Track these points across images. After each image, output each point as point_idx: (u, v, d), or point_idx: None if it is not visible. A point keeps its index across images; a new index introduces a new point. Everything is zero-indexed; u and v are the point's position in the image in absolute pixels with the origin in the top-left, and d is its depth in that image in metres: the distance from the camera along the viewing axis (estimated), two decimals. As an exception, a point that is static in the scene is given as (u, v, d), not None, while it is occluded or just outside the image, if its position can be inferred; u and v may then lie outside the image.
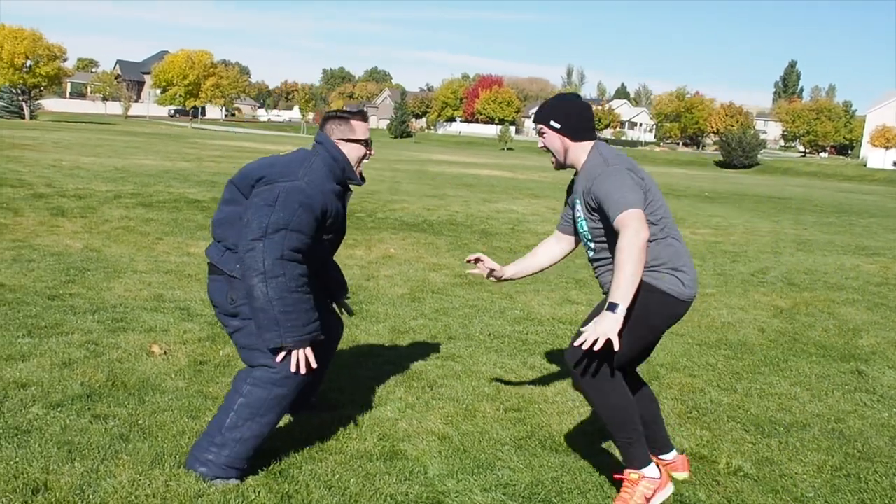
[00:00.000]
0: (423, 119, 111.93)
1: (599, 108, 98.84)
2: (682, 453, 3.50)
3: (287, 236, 2.98)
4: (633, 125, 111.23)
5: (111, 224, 8.98)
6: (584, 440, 3.78)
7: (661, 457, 3.36)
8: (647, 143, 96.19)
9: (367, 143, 3.36)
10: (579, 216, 3.20)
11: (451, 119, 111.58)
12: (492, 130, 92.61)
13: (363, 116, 3.40)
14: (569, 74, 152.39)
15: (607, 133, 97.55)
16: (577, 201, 3.19)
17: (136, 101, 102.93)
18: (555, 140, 3.22)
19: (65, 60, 74.28)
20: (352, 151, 3.31)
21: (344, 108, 3.40)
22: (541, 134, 3.27)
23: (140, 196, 11.43)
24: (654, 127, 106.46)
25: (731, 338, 6.01)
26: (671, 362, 5.21)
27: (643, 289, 2.90)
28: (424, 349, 5.12)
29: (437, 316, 6.05)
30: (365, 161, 3.41)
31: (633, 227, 2.81)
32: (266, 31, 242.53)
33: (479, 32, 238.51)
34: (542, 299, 6.91)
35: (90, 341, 4.65)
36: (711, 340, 5.88)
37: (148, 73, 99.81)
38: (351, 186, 3.40)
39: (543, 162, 47.93)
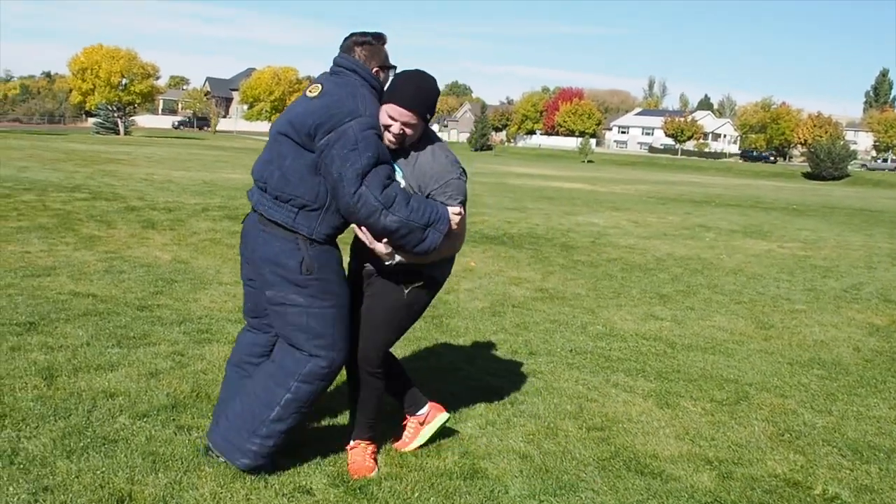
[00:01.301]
0: (504, 132, 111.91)
1: (682, 119, 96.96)
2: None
3: (379, 170, 2.96)
4: (716, 137, 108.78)
5: (199, 236, 9.20)
6: (670, 462, 3.64)
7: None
8: (731, 155, 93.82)
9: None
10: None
11: (532, 132, 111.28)
12: (572, 143, 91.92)
13: (385, 40, 3.23)
14: (650, 86, 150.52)
15: (689, 145, 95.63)
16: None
17: (225, 116, 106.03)
18: (418, 130, 3.09)
19: (158, 78, 77.11)
20: (386, 79, 3.17)
21: (366, 32, 3.19)
22: (409, 125, 3.03)
23: (227, 209, 11.70)
24: (739, 138, 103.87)
25: (825, 357, 5.74)
26: (761, 382, 5.00)
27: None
28: (505, 365, 5.05)
29: (517, 331, 5.97)
30: None
31: None
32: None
33: (560, 45, 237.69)
34: (625, 314, 6.75)
35: (176, 352, 4.74)
36: (803, 359, 5.63)
37: (236, 90, 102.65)
38: None
39: (624, 174, 47.30)
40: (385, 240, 3.03)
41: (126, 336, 4.98)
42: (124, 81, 71.63)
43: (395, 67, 3.18)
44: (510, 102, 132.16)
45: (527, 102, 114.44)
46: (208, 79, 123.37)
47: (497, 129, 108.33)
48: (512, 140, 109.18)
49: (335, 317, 3.10)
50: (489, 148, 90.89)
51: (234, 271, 7.46)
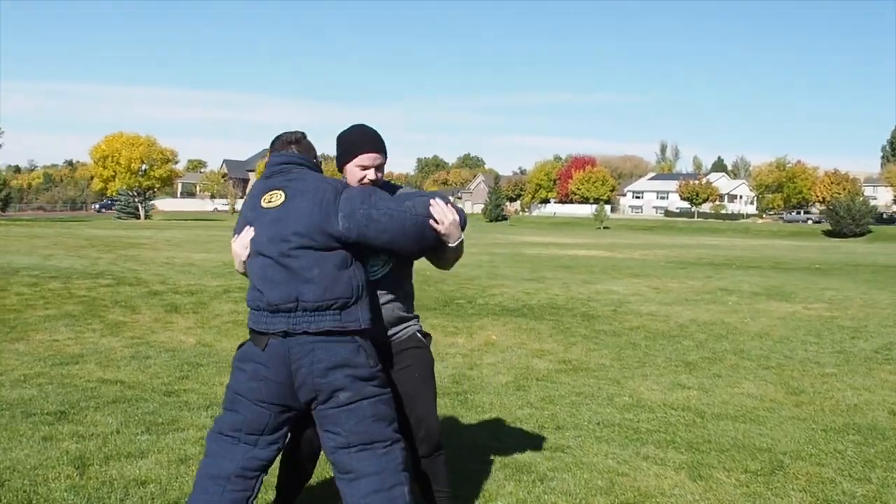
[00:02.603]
0: (518, 202, 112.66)
1: (697, 182, 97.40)
2: None
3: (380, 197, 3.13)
4: (732, 198, 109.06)
5: (221, 319, 9.29)
6: (707, 537, 3.58)
7: None
8: (748, 216, 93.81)
9: None
10: None
11: (546, 201, 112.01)
12: (587, 210, 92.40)
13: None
14: (662, 150, 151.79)
15: (706, 207, 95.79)
16: None
17: (242, 197, 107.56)
18: (384, 170, 3.35)
19: (176, 163, 78.71)
20: (320, 168, 3.38)
21: (294, 131, 3.36)
22: (380, 167, 3.29)
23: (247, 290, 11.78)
24: (755, 199, 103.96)
25: (860, 422, 5.66)
26: (795, 450, 4.93)
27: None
28: (532, 440, 5.02)
29: (543, 404, 5.94)
30: None
31: None
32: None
33: (569, 114, 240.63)
34: (651, 384, 6.71)
35: (204, 437, 4.74)
36: (837, 425, 5.55)
37: (252, 171, 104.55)
38: None
39: (641, 239, 47.35)
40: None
41: (155, 422, 5.01)
42: (144, 167, 73.07)
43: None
44: (523, 172, 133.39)
45: (540, 172, 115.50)
46: (225, 161, 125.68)
47: (511, 199, 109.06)
48: (526, 209, 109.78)
49: (393, 403, 3.17)
50: (504, 218, 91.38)
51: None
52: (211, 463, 3.13)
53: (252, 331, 3.08)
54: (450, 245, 3.22)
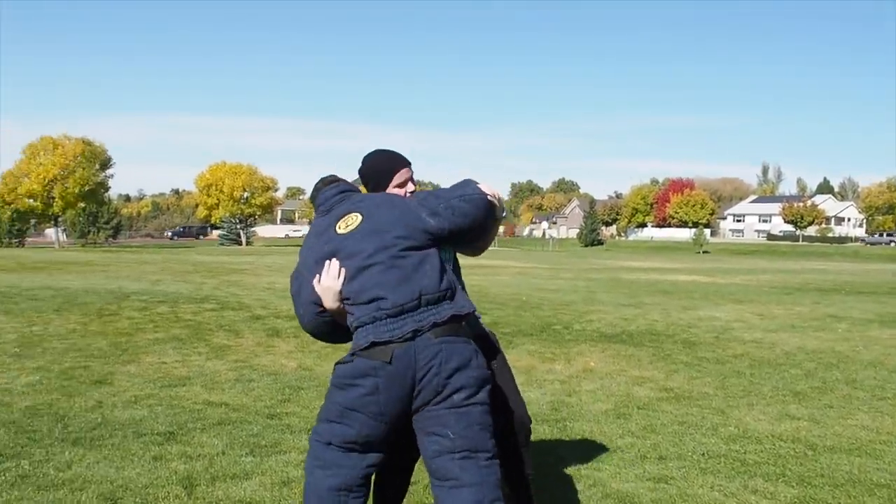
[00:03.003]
0: (613, 226, 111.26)
1: (801, 204, 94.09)
2: None
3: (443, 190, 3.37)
4: (839, 221, 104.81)
5: (320, 343, 9.43)
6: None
7: None
8: (856, 239, 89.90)
9: None
10: None
11: (643, 225, 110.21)
12: (685, 234, 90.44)
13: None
14: (764, 172, 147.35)
15: (811, 230, 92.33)
16: None
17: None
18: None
19: (276, 190, 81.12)
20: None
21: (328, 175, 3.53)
22: (412, 179, 3.49)
23: (346, 315, 11.97)
24: (864, 221, 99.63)
25: None
26: (917, 487, 4.65)
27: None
28: (634, 470, 4.90)
29: (644, 433, 5.80)
30: None
31: None
32: (458, 151, 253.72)
33: (666, 136, 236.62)
34: (758, 414, 6.46)
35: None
36: (963, 461, 5.21)
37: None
38: None
39: (743, 264, 45.93)
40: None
41: (258, 444, 5.12)
42: (246, 195, 75.60)
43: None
44: (619, 196, 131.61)
45: (636, 195, 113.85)
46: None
47: (607, 224, 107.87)
48: (623, 234, 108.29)
49: None
50: (600, 243, 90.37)
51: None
52: (330, 474, 3.07)
53: (373, 344, 2.99)
54: (501, 217, 3.46)
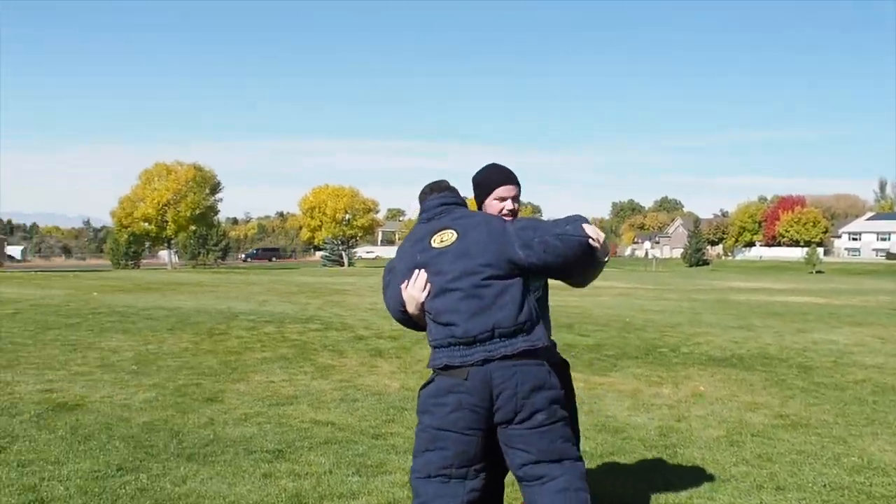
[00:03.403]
0: (720, 245, 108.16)
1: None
2: None
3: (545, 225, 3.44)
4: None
5: (423, 364, 9.48)
6: None
7: None
8: None
9: None
10: None
11: (750, 244, 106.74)
12: (797, 253, 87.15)
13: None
14: (882, 188, 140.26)
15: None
16: None
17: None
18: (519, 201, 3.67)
19: (377, 212, 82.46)
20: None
21: (440, 181, 3.67)
22: (516, 198, 3.62)
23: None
24: None
25: None
26: None
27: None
28: (751, 500, 4.68)
29: (760, 462, 5.54)
30: None
31: None
32: (554, 168, 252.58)
33: (774, 151, 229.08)
34: (883, 444, 6.09)
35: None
36: None
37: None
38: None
39: (860, 284, 43.83)
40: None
41: (364, 464, 5.15)
42: (348, 217, 77.09)
43: None
44: (724, 214, 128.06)
45: (743, 213, 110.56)
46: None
47: (712, 243, 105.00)
48: (729, 253, 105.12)
49: None
50: (705, 262, 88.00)
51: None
52: None
53: (446, 367, 3.21)
54: (602, 260, 3.45)
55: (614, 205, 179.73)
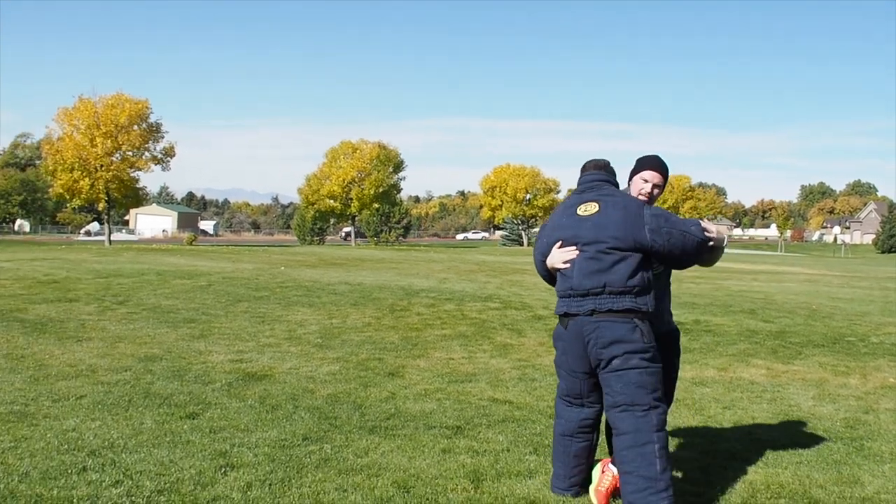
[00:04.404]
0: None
1: None
2: None
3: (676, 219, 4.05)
4: None
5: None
6: None
7: None
8: None
9: None
10: None
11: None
12: None
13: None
14: None
15: None
16: None
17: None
18: (662, 189, 4.33)
19: (558, 192, 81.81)
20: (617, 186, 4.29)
21: (599, 159, 4.27)
22: (658, 185, 4.25)
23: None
24: None
25: None
26: None
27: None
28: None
29: (976, 464, 5.00)
30: None
31: None
32: (742, 151, 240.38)
33: None
34: None
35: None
36: None
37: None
38: None
39: None
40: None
41: (541, 444, 5.11)
42: (528, 196, 77.03)
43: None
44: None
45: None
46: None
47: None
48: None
49: (661, 375, 3.87)
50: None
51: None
52: (559, 423, 4.20)
53: (565, 314, 3.97)
54: (721, 247, 4.10)
55: (803, 188, 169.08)
